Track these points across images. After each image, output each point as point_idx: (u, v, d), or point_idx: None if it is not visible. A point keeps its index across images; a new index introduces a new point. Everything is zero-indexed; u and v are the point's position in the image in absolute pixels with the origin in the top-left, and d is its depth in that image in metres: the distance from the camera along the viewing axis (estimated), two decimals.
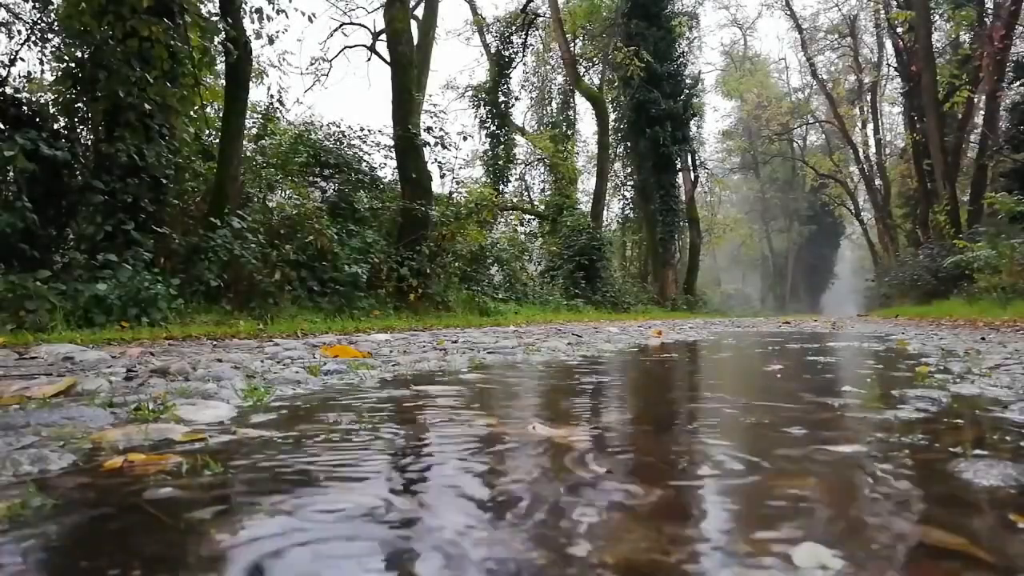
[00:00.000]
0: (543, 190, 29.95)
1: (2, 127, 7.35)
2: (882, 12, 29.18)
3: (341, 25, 24.52)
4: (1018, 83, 19.14)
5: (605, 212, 29.81)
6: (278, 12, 9.72)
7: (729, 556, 0.78)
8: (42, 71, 8.92)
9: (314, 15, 11.29)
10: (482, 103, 28.22)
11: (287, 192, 12.63)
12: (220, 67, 10.86)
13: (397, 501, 0.98)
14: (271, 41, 9.93)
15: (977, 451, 1.30)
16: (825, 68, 37.80)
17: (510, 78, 29.12)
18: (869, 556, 0.77)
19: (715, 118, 59.04)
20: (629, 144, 29.21)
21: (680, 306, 27.35)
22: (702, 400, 2.31)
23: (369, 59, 26.10)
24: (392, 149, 13.69)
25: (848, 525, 0.88)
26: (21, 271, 6.39)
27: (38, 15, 8.68)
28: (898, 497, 1.01)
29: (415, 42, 15.16)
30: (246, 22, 9.55)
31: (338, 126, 14.81)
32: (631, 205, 32.15)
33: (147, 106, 7.74)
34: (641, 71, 24.22)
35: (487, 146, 28.19)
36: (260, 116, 14.00)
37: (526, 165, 30.79)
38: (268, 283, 8.88)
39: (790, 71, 76.75)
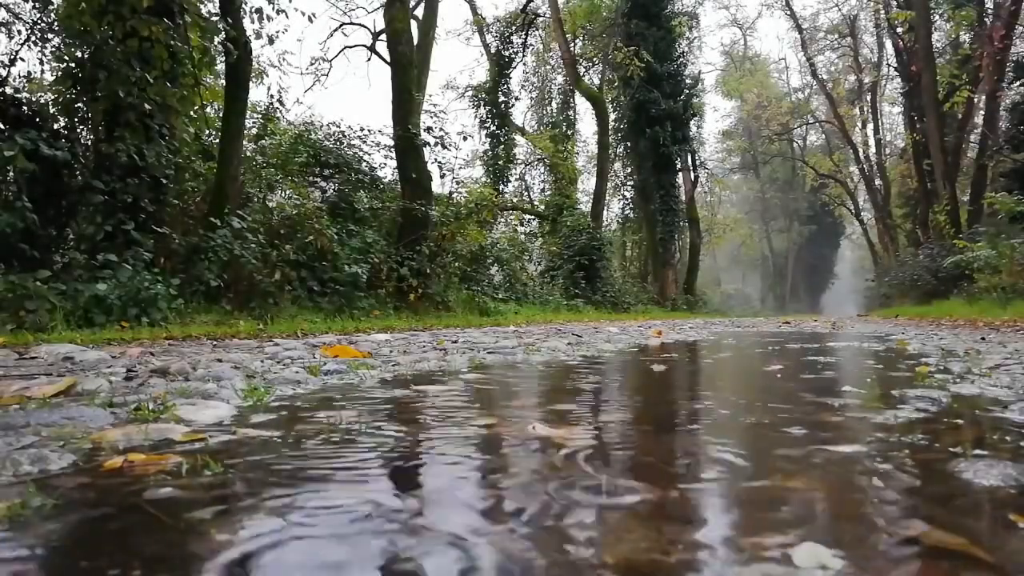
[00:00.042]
0: (543, 190, 29.97)
1: (2, 127, 7.35)
2: (882, 12, 29.18)
3: (341, 25, 24.55)
4: (1018, 83, 19.14)
5: (605, 212, 29.83)
6: (278, 12, 9.73)
7: (729, 556, 0.78)
8: (42, 71, 8.94)
9: (314, 15, 11.29)
10: (482, 103, 28.22)
11: (287, 192, 12.63)
12: (220, 67, 10.86)
13: (397, 502, 0.98)
14: (271, 41, 9.94)
15: (977, 451, 1.30)
16: (825, 68, 37.86)
17: (510, 78, 29.15)
18: (869, 556, 0.77)
19: (715, 118, 59.13)
20: (629, 144, 29.21)
21: (680, 306, 27.34)
22: (702, 400, 2.31)
23: (369, 59, 26.12)
24: (392, 149, 13.70)
25: (848, 525, 0.88)
26: (21, 271, 6.39)
27: (38, 15, 8.68)
28: (898, 497, 1.01)
29: (415, 42, 15.16)
30: (246, 22, 9.55)
31: (338, 126, 14.83)
32: (631, 205, 32.15)
33: (147, 106, 7.74)
34: (641, 71, 24.22)
35: (487, 146, 28.21)
36: (260, 116, 14.00)
37: (526, 165, 30.80)
38: (268, 283, 8.88)
39: (790, 71, 76.83)
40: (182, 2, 8.20)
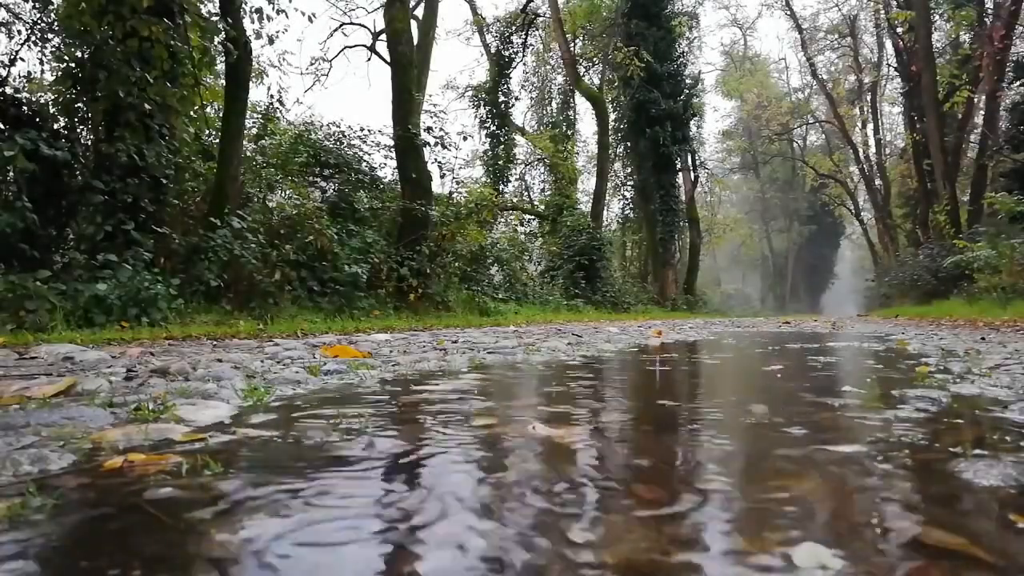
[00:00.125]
0: (543, 190, 29.97)
1: (2, 127, 7.36)
2: (882, 12, 29.18)
3: (341, 25, 24.56)
4: (1018, 83, 19.14)
5: (605, 212, 29.84)
6: (278, 12, 9.73)
7: (729, 556, 0.78)
8: (42, 71, 8.94)
9: (314, 15, 11.29)
10: (482, 103, 28.22)
11: (287, 192, 12.63)
12: (220, 67, 10.86)
13: (397, 501, 0.98)
14: (271, 41, 9.94)
15: (977, 451, 1.30)
16: (825, 68, 37.86)
17: (510, 78, 29.16)
18: (869, 556, 0.77)
19: (715, 118, 59.16)
20: (629, 144, 29.22)
21: (680, 306, 27.35)
22: (702, 400, 2.31)
23: (369, 59, 26.14)
24: (392, 149, 13.70)
25: (848, 525, 0.88)
26: (21, 271, 6.39)
27: (38, 15, 8.68)
28: (898, 497, 1.01)
29: (415, 42, 15.16)
30: (246, 22, 9.55)
31: (338, 126, 14.83)
32: (631, 205, 32.16)
33: (147, 106, 7.74)
34: (641, 71, 24.22)
35: (487, 146, 28.21)
36: (260, 116, 14.00)
37: (526, 165, 30.80)
38: (268, 283, 8.88)
39: (790, 71, 76.87)
40: (182, 2, 8.20)
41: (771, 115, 39.98)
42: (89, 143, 8.19)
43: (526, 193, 30.83)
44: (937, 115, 20.64)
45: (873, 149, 36.98)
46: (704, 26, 66.25)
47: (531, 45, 30.28)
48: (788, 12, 36.65)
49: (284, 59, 30.30)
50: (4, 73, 8.01)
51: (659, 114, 26.84)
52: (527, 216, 27.86)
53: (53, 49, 8.66)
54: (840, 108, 35.27)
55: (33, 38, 8.58)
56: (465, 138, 15.89)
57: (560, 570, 0.74)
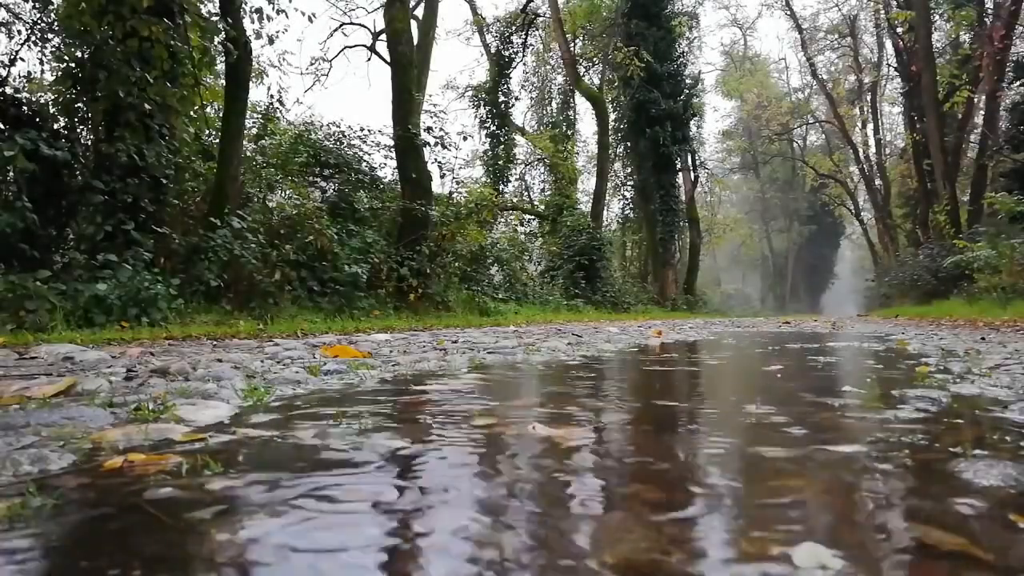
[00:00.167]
0: (543, 190, 29.97)
1: (2, 127, 7.36)
2: (882, 12, 29.18)
3: (341, 25, 24.55)
4: (1018, 83, 19.14)
5: (605, 212, 29.84)
6: (278, 12, 9.73)
7: (729, 556, 0.78)
8: (42, 71, 8.94)
9: (314, 15, 11.29)
10: (482, 103, 28.22)
11: (287, 192, 12.63)
12: (220, 67, 10.86)
13: (397, 501, 0.98)
14: (271, 41, 9.94)
15: (977, 451, 1.30)
16: (825, 68, 37.85)
17: (510, 78, 29.16)
18: (869, 556, 0.77)
19: (715, 118, 59.11)
20: (629, 144, 29.22)
21: (680, 306, 27.35)
22: (702, 400, 2.31)
23: (369, 59, 26.11)
24: (392, 149, 13.70)
25: (848, 525, 0.88)
26: (21, 271, 6.39)
27: (38, 15, 8.68)
28: (898, 497, 1.01)
29: (415, 42, 15.16)
30: (246, 22, 9.55)
31: (338, 126, 14.83)
32: (631, 205, 32.16)
33: (147, 106, 7.74)
34: (641, 71, 24.22)
35: (487, 146, 28.21)
36: (260, 116, 14.00)
37: (526, 165, 30.80)
38: (268, 283, 8.88)
39: (790, 71, 76.86)
40: (182, 2, 8.20)
41: (771, 115, 39.98)
42: (89, 143, 8.19)
43: (526, 193, 30.84)
44: (937, 115, 20.64)
45: (873, 149, 37.03)
46: (704, 26, 66.35)
47: (531, 45, 30.31)
48: (788, 12, 36.68)
49: (284, 59, 30.31)
50: (4, 73, 8.01)
51: (659, 114, 26.84)
52: (527, 216, 27.86)
53: (53, 49, 8.66)
54: (840, 108, 35.27)
55: (33, 38, 8.59)
56: (465, 138, 15.90)
57: (560, 569, 0.74)
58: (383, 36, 19.31)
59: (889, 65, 33.83)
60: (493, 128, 28.10)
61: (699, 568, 0.75)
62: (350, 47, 26.18)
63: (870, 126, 36.75)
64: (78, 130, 8.26)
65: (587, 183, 32.34)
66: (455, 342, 5.37)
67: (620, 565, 0.75)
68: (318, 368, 2.84)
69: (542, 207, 27.49)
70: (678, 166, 29.54)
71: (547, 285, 21.07)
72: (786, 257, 57.14)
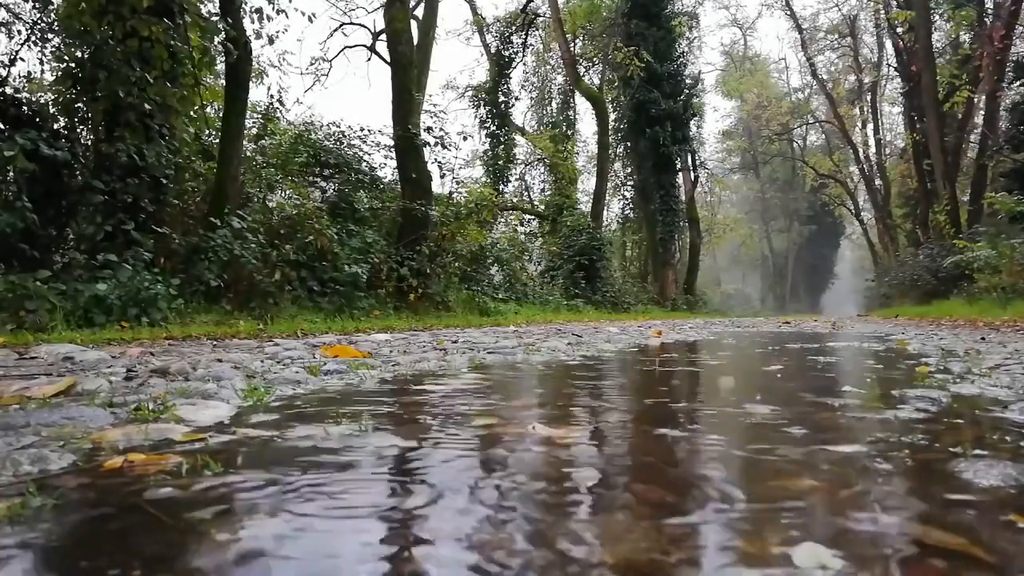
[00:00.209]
0: (543, 190, 29.98)
1: (2, 127, 7.36)
2: (882, 12, 29.18)
3: (341, 25, 24.55)
4: (1018, 83, 19.14)
5: (605, 212, 29.84)
6: (278, 12, 9.73)
7: (729, 556, 0.78)
8: (42, 71, 8.94)
9: (314, 15, 11.30)
10: (482, 103, 28.22)
11: (287, 192, 12.63)
12: (220, 67, 10.86)
13: (397, 501, 0.98)
14: (271, 41, 9.94)
15: (977, 451, 1.30)
16: (825, 68, 37.85)
17: (510, 78, 29.15)
18: (869, 556, 0.77)
19: (715, 118, 59.12)
20: (629, 144, 29.22)
21: (680, 306, 27.35)
22: (702, 400, 2.31)
23: (369, 59, 26.11)
24: (392, 149, 13.70)
25: (848, 525, 0.88)
26: (21, 271, 6.39)
27: (38, 15, 8.68)
28: (898, 497, 1.01)
29: (415, 42, 15.16)
30: (246, 22, 9.55)
31: (338, 126, 14.83)
32: (631, 205, 32.16)
33: (147, 106, 7.74)
34: (641, 71, 24.22)
35: (487, 146, 28.21)
36: (260, 116, 14.01)
37: (526, 165, 30.80)
38: (268, 283, 8.88)
39: (790, 71, 76.84)
40: (182, 2, 8.20)
41: (771, 115, 39.98)
42: (89, 143, 8.19)
43: (526, 193, 30.84)
44: (937, 115, 20.64)
45: (873, 149, 37.03)
46: (704, 26, 66.33)
47: (531, 45, 30.31)
48: (788, 12, 36.69)
49: (284, 59, 30.33)
50: (4, 73, 8.01)
51: (659, 114, 26.84)
52: (527, 216, 27.87)
53: (53, 49, 8.66)
54: (840, 108, 35.27)
55: (33, 38, 8.59)
56: (465, 138, 15.90)
57: (560, 569, 0.74)
58: (383, 36, 19.31)
59: (889, 65, 33.86)
60: (493, 128, 28.10)
61: (699, 568, 0.75)
62: (350, 47, 26.21)
63: (870, 126, 36.78)
64: (78, 130, 8.26)
65: (587, 183, 32.38)
66: (455, 342, 5.37)
67: (620, 565, 0.75)
68: (318, 368, 2.84)
69: (542, 207, 27.49)
70: (678, 166, 29.55)
71: (547, 285, 21.07)
72: (786, 257, 57.14)
